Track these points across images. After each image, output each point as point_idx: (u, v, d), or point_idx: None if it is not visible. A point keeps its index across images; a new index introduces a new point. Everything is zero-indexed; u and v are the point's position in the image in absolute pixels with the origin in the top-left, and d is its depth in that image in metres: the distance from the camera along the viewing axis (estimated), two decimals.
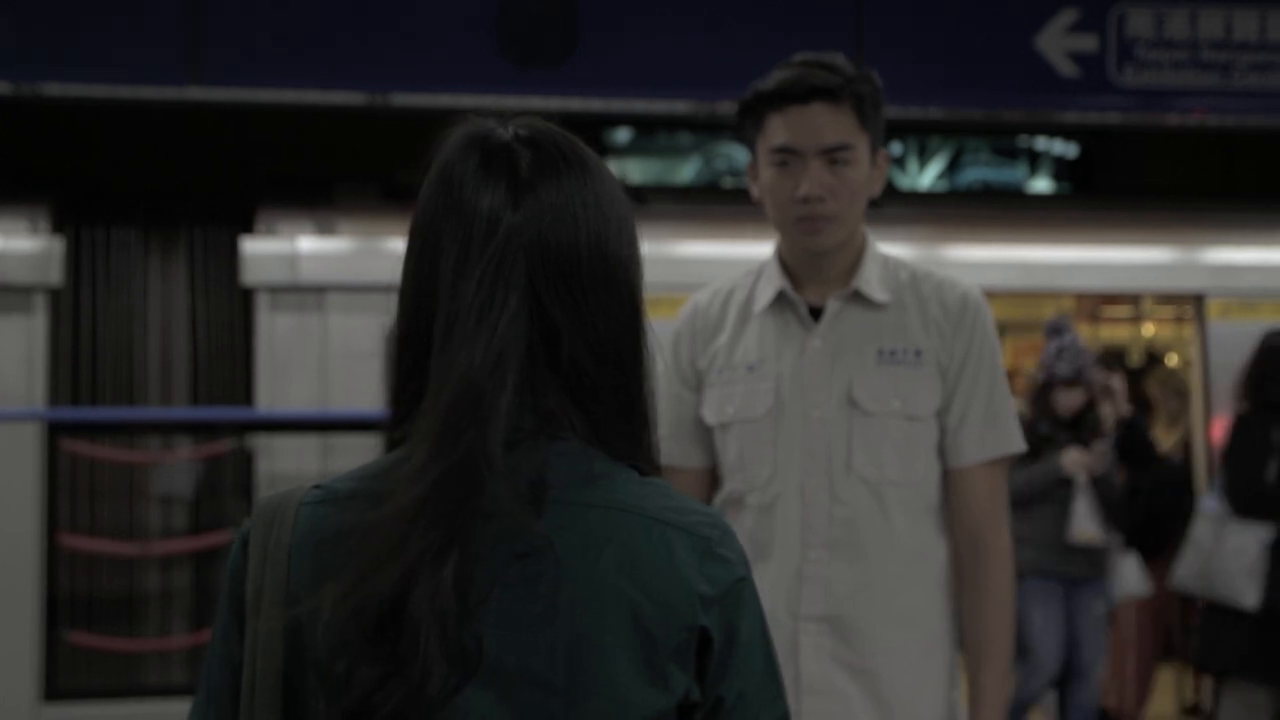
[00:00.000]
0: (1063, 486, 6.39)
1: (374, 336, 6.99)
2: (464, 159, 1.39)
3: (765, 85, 2.70)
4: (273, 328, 6.89)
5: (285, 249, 6.98)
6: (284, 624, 1.33)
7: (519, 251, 1.34)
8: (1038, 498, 6.36)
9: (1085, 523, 6.39)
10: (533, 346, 1.33)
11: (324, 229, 7.19)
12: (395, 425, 1.40)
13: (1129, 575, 6.75)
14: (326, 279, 6.99)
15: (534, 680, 1.29)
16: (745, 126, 2.75)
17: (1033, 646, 6.35)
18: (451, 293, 1.34)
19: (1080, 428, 6.54)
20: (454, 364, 1.31)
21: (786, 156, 2.67)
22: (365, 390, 6.96)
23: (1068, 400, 6.55)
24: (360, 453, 6.21)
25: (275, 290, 6.91)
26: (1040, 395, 6.66)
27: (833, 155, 2.66)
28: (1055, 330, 6.81)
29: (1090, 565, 6.46)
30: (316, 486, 1.40)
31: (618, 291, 1.39)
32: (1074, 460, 6.41)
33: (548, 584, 1.30)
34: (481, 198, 1.36)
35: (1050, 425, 6.52)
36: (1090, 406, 6.59)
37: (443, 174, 1.40)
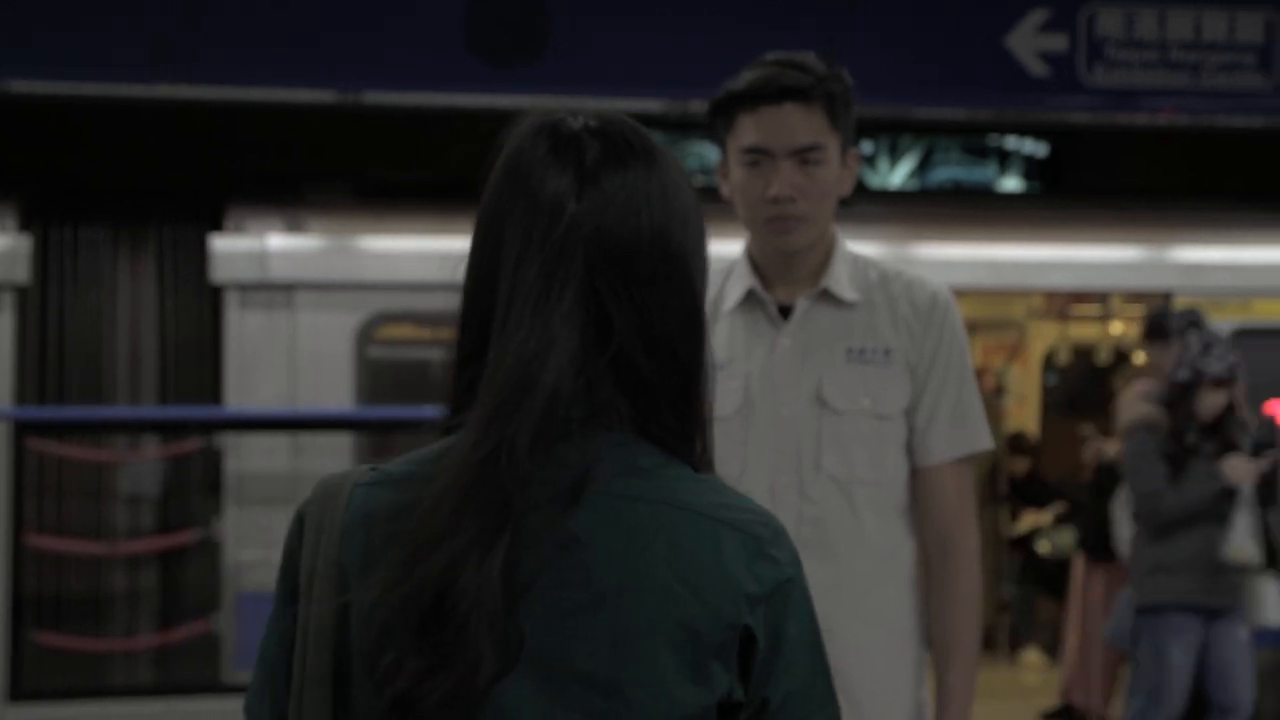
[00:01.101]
0: (1219, 502, 5.74)
1: (344, 335, 6.97)
2: (533, 146, 1.38)
3: (736, 85, 2.70)
4: (242, 326, 6.85)
5: (254, 247, 6.95)
6: (336, 605, 1.33)
7: (579, 242, 1.33)
8: (1200, 518, 5.74)
9: (1245, 540, 5.68)
10: (586, 337, 1.32)
11: (294, 227, 7.16)
12: (454, 411, 1.39)
13: (1272, 603, 5.89)
14: (296, 277, 6.96)
15: (575, 672, 1.28)
16: (716, 126, 2.75)
17: (1167, 683, 5.77)
18: (512, 280, 1.33)
19: (1220, 434, 5.87)
20: (508, 352, 1.30)
21: (758, 156, 2.67)
22: (335, 389, 6.94)
23: (1214, 402, 5.83)
24: (330, 451, 6.24)
25: (244, 288, 6.88)
26: (1182, 398, 5.87)
27: (804, 155, 2.66)
28: (1193, 322, 6.10)
29: (1235, 592, 5.80)
30: (373, 469, 1.40)
31: (677, 286, 1.37)
32: (1240, 469, 5.74)
33: (592, 576, 1.29)
34: (547, 185, 1.35)
35: (1196, 433, 5.84)
36: (1230, 410, 5.89)
37: (510, 161, 1.40)
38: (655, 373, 1.35)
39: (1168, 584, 5.72)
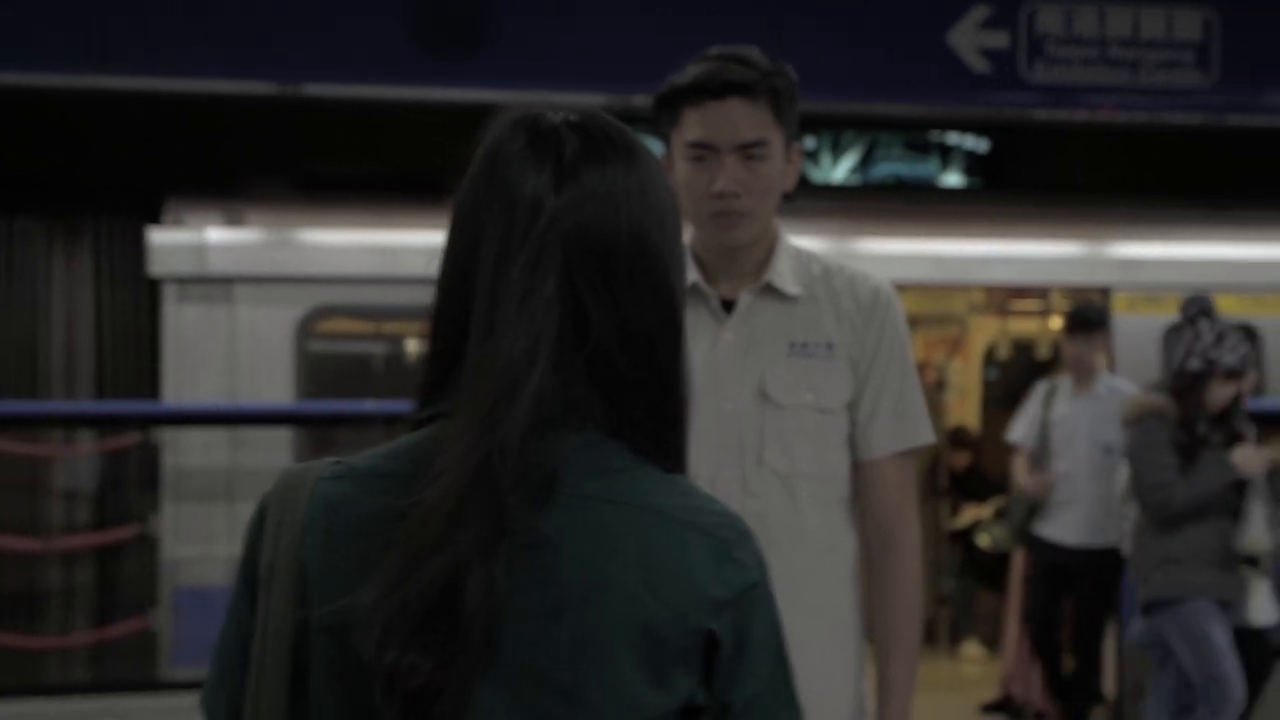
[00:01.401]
0: (1227, 493, 5.66)
1: (284, 328, 6.92)
2: (511, 140, 1.38)
3: (681, 79, 2.69)
4: (179, 319, 6.79)
5: (193, 240, 6.88)
6: (294, 598, 1.32)
7: (558, 237, 1.33)
8: (1209, 509, 5.64)
9: (1262, 532, 5.60)
10: (564, 333, 1.32)
11: (232, 220, 7.09)
12: (423, 405, 1.38)
13: (1262, 602, 5.78)
14: (235, 270, 6.90)
15: (537, 675, 1.28)
16: (661, 120, 2.74)
17: (1222, 668, 5.59)
18: (494, 277, 1.33)
19: (1226, 424, 5.77)
20: (498, 352, 1.29)
21: (702, 151, 2.66)
22: (275, 383, 6.89)
23: (1224, 394, 5.72)
24: (270, 446, 6.18)
25: (182, 281, 6.81)
26: (1194, 388, 5.75)
27: (748, 151, 2.65)
28: (1203, 311, 5.88)
29: (1241, 586, 5.70)
30: (337, 462, 1.39)
31: (655, 284, 1.37)
32: (1252, 460, 5.66)
33: (557, 578, 1.29)
34: (525, 180, 1.35)
35: (1206, 423, 5.73)
36: (1237, 401, 5.80)
37: (488, 154, 1.39)
38: (631, 370, 1.35)
39: (1179, 577, 5.60)
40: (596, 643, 1.27)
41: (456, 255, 1.38)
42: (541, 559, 1.29)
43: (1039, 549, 6.98)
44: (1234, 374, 5.72)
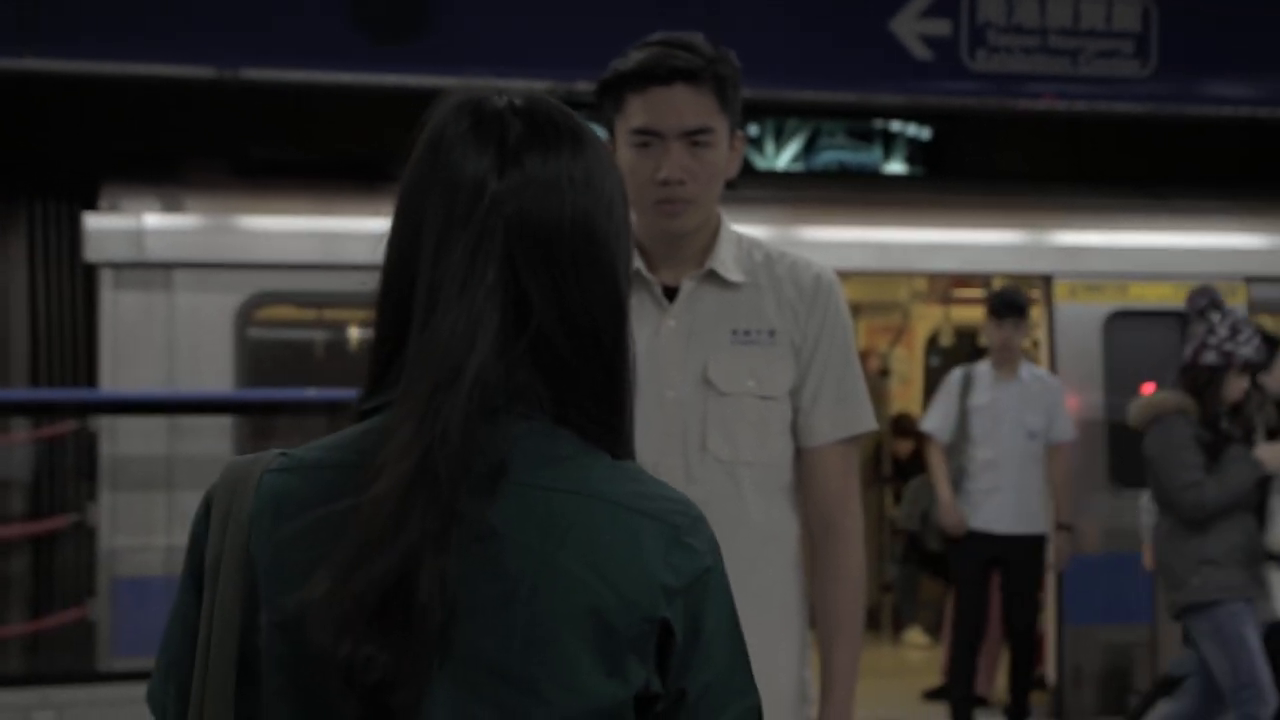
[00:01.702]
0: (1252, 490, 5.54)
1: (223, 315, 6.85)
2: (455, 123, 1.36)
3: (625, 65, 2.66)
4: (117, 306, 6.71)
5: (130, 225, 6.80)
6: (241, 592, 1.31)
7: (500, 222, 1.32)
8: (1237, 507, 5.51)
9: None
10: (506, 319, 1.30)
11: (171, 205, 7.01)
12: (369, 395, 1.37)
13: None
14: (174, 257, 6.82)
15: (488, 666, 1.27)
16: (604, 106, 2.71)
17: (1256, 673, 5.50)
18: (434, 261, 1.32)
19: (1242, 418, 5.62)
20: (437, 338, 1.28)
21: (647, 138, 2.64)
22: (214, 371, 6.82)
23: (1239, 387, 5.56)
24: (210, 434, 6.11)
25: (119, 267, 6.73)
26: (1211, 383, 5.58)
27: (694, 138, 2.64)
28: (1214, 304, 5.69)
29: (1265, 584, 5.61)
30: (282, 454, 1.38)
31: (600, 271, 1.35)
32: (1276, 456, 5.53)
33: (506, 569, 1.28)
34: (468, 164, 1.34)
35: (1227, 419, 5.56)
36: (1249, 394, 5.64)
37: (432, 137, 1.37)
38: (575, 357, 1.34)
39: (1215, 578, 5.47)
40: (548, 633, 1.27)
41: (399, 240, 1.37)
42: (490, 550, 1.27)
43: (967, 537, 6.92)
44: (1251, 366, 5.58)
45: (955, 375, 7.13)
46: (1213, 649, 5.58)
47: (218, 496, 1.38)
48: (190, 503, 6.88)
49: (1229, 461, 5.51)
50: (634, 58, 2.66)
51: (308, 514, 1.30)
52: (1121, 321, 7.98)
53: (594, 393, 1.35)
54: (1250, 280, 8.13)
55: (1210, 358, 5.57)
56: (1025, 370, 7.03)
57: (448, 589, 1.24)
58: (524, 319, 1.31)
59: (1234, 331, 5.57)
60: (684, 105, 2.63)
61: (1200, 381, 5.58)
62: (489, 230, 1.31)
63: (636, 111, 2.64)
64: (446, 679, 1.26)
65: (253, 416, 6.99)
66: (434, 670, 1.25)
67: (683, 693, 1.31)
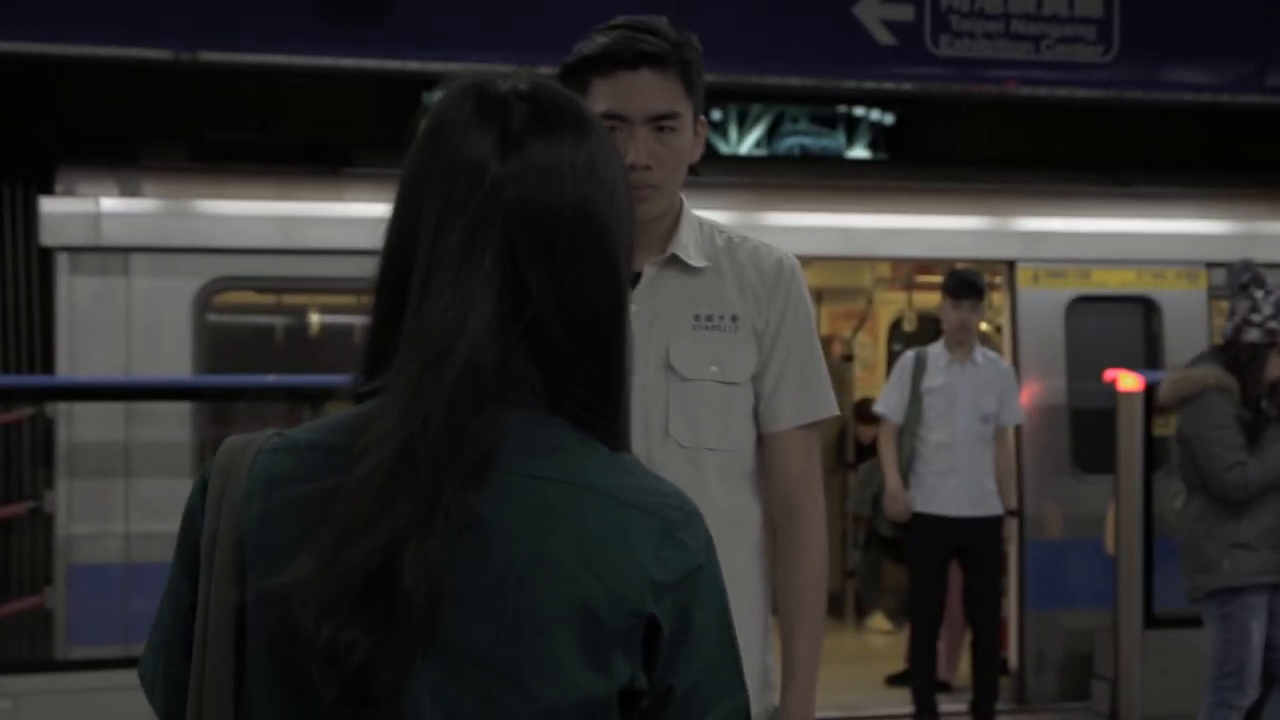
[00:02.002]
0: None
1: (182, 301, 6.79)
2: (458, 106, 1.36)
3: (591, 48, 2.63)
4: (73, 291, 6.65)
5: (87, 209, 6.73)
6: (235, 572, 1.31)
7: (499, 206, 1.30)
8: (1273, 491, 5.38)
9: None
10: (503, 305, 1.29)
11: (128, 189, 6.95)
12: (366, 378, 1.36)
13: None
14: (131, 241, 6.76)
15: (473, 655, 1.26)
16: (569, 88, 2.68)
17: (1249, 665, 5.46)
18: (431, 245, 1.30)
19: (1275, 397, 5.45)
20: (429, 322, 1.27)
21: (614, 123, 2.61)
22: (173, 356, 6.76)
23: (1278, 366, 5.40)
24: (168, 420, 6.03)
25: (76, 252, 6.66)
26: (1253, 361, 5.41)
27: (660, 123, 2.62)
28: (1256, 280, 5.53)
29: None
30: (278, 434, 1.38)
31: (600, 259, 1.34)
32: None
33: (495, 558, 1.27)
34: (469, 147, 1.33)
35: (1267, 397, 5.42)
36: None
37: (434, 120, 1.37)
38: (572, 345, 1.33)
39: (1246, 562, 5.35)
40: (534, 624, 1.25)
41: (399, 223, 1.35)
42: (479, 538, 1.27)
43: (922, 521, 6.91)
44: None
45: (908, 358, 7.07)
46: (1216, 632, 5.54)
47: (213, 475, 1.37)
48: (149, 489, 6.86)
49: (1268, 442, 5.39)
50: (599, 41, 2.63)
51: (298, 495, 1.30)
52: (1084, 307, 8.01)
53: (590, 382, 1.34)
54: (1211, 265, 8.16)
55: (1254, 335, 5.41)
56: (979, 353, 7.01)
57: (432, 575, 1.23)
58: (521, 305, 1.30)
59: (1278, 309, 5.40)
60: (650, 90, 2.61)
61: (1242, 359, 5.41)
62: (488, 215, 1.30)
63: (602, 96, 2.61)
64: (430, 666, 1.25)
65: (212, 403, 6.94)
66: (417, 657, 1.24)
67: (670, 689, 1.30)
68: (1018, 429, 7.22)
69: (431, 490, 1.24)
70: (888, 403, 7.05)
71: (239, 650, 1.32)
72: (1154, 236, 8.16)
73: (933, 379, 6.92)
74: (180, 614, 1.37)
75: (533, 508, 1.28)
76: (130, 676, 6.18)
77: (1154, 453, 7.36)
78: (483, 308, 1.28)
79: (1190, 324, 8.11)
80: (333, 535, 1.24)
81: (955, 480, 6.84)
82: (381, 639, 1.22)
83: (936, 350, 7.01)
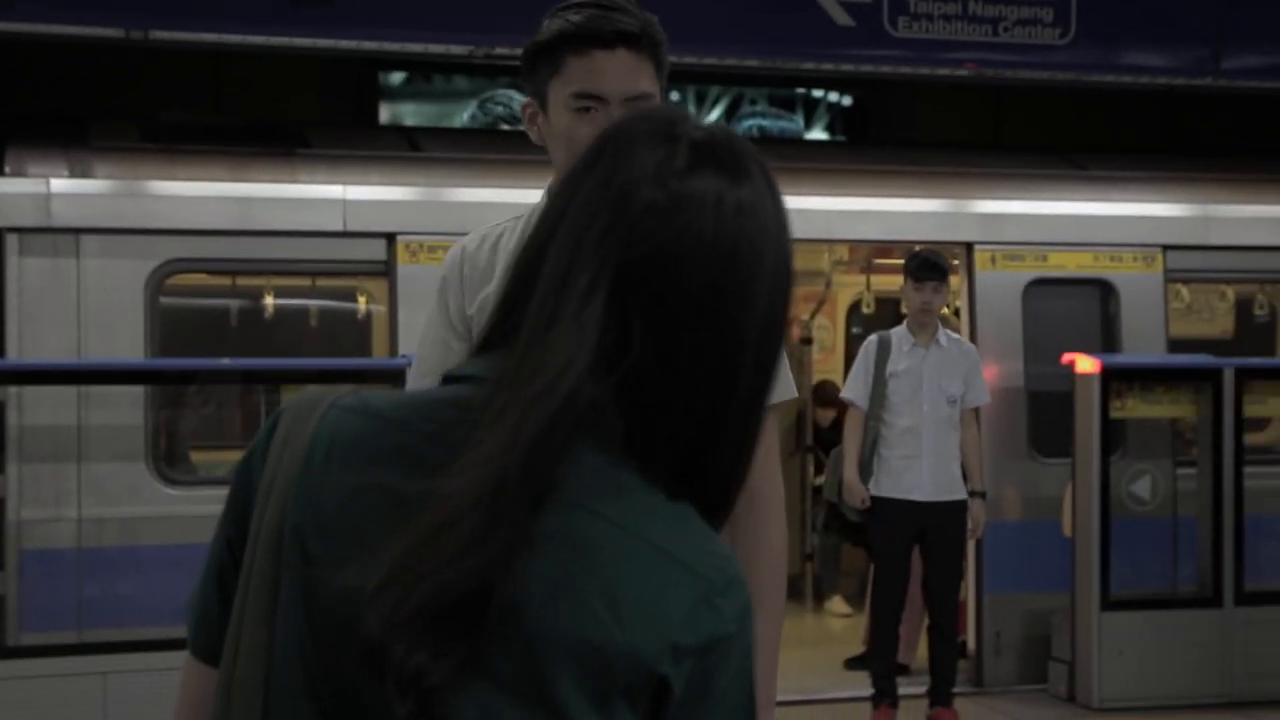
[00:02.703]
0: None
1: (134, 283, 6.71)
2: (633, 129, 1.34)
3: (565, 26, 2.58)
4: (23, 273, 6.56)
5: (37, 190, 6.64)
6: (281, 517, 1.33)
7: (633, 241, 1.27)
8: None
9: None
10: (604, 347, 1.26)
11: (79, 170, 6.85)
12: (474, 356, 1.37)
13: None
14: (82, 222, 6.67)
15: (489, 671, 1.23)
16: (537, 67, 2.62)
17: None
18: (565, 268, 1.28)
19: None
20: (546, 356, 1.25)
21: (590, 103, 2.56)
22: (125, 339, 6.69)
23: None
24: (121, 404, 5.93)
25: (26, 233, 6.57)
26: None
27: (635, 104, 2.57)
28: None
29: None
30: (357, 392, 1.39)
31: (720, 324, 1.29)
32: None
33: (525, 576, 1.23)
34: (623, 172, 1.29)
35: None
36: None
37: (605, 136, 1.35)
38: (671, 396, 1.29)
39: None
40: (544, 649, 1.23)
41: (543, 223, 1.34)
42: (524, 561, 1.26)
43: (887, 506, 6.90)
44: None
45: (871, 342, 7.03)
46: None
47: (283, 419, 1.39)
48: (101, 473, 6.76)
49: None
50: (572, 19, 2.58)
51: (359, 460, 1.30)
52: (1041, 289, 8.02)
53: (678, 438, 1.30)
54: (1168, 249, 8.19)
55: None
56: (943, 335, 6.99)
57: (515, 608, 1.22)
58: (622, 351, 1.27)
59: None
60: (627, 70, 2.56)
61: None
62: (618, 248, 1.27)
63: (577, 74, 2.56)
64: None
65: (165, 386, 6.86)
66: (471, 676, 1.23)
67: None
68: (977, 411, 7.21)
69: (525, 523, 1.22)
70: (854, 389, 7.01)
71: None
72: (1111, 219, 8.18)
73: (897, 363, 6.89)
74: (228, 549, 1.39)
75: (577, 539, 1.25)
76: (84, 663, 6.10)
77: (1111, 436, 7.39)
78: (588, 351, 1.25)
79: (1147, 307, 8.14)
80: (411, 550, 1.21)
81: (920, 464, 6.83)
82: (455, 660, 1.21)
83: (900, 333, 6.98)
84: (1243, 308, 8.93)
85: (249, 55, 8.06)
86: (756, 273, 1.32)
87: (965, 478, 6.93)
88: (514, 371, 1.26)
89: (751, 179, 1.34)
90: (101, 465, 6.55)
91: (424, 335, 2.74)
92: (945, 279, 6.95)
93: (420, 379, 2.64)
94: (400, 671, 1.20)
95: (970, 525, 6.97)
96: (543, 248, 1.31)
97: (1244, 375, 7.55)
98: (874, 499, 6.90)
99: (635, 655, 1.23)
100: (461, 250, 2.76)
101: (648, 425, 1.29)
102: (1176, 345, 8.23)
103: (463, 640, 1.21)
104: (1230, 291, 8.84)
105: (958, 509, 6.88)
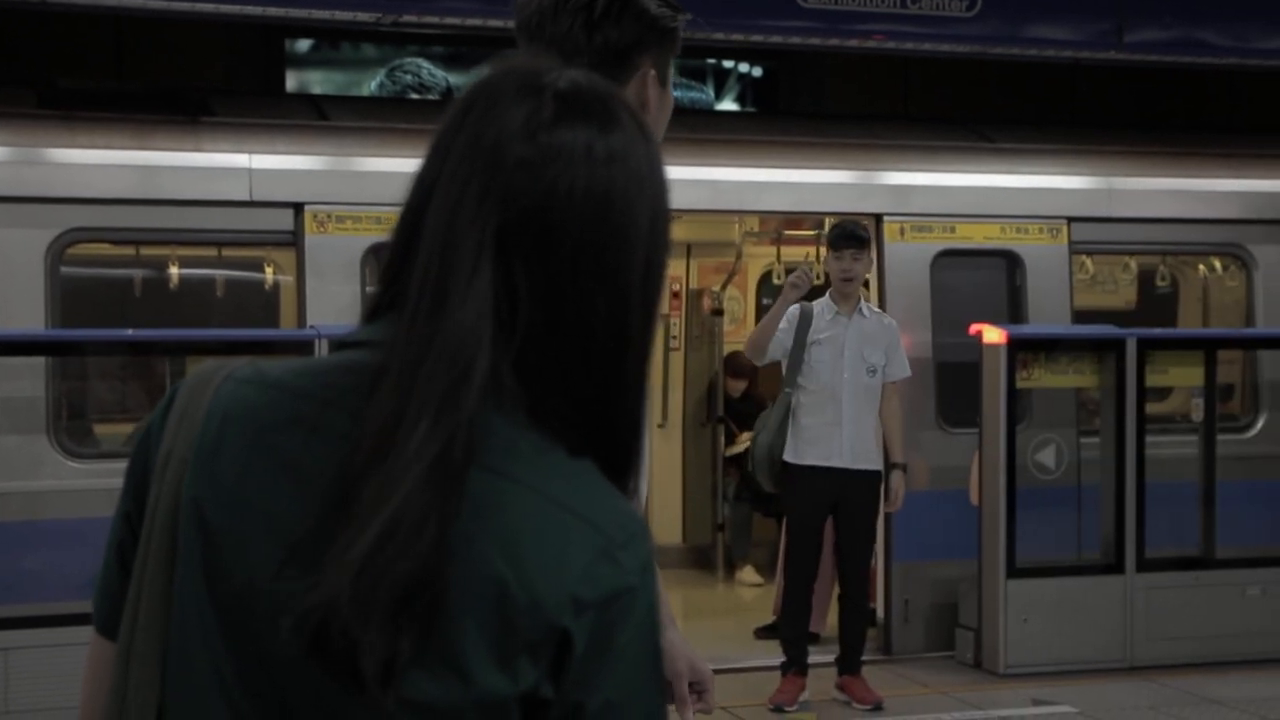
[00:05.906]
0: None
1: (34, 252, 6.58)
2: (498, 84, 1.32)
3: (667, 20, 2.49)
4: None
5: None
6: (178, 490, 1.32)
7: (509, 198, 1.26)
8: None
9: None
10: (499, 311, 1.25)
11: None
12: (364, 323, 1.34)
13: None
14: None
15: None
16: (645, 42, 2.48)
17: None
18: (445, 235, 1.26)
19: None
20: (447, 322, 1.24)
21: None
22: (25, 309, 6.56)
23: None
24: (21, 375, 5.84)
25: None
26: None
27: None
28: None
29: None
30: (252, 363, 1.37)
31: (607, 271, 1.28)
32: None
33: None
34: (492, 128, 1.28)
35: None
36: None
37: (472, 92, 1.33)
38: (562, 355, 1.28)
39: None
40: (446, 609, 1.21)
41: (416, 188, 1.31)
42: None
43: (803, 473, 6.94)
44: None
45: (794, 311, 7.05)
46: None
47: (181, 393, 1.37)
48: (2, 446, 6.65)
49: None
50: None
51: (257, 431, 1.29)
52: (949, 260, 8.08)
53: (577, 400, 1.29)
54: (1073, 220, 8.29)
55: None
56: (864, 307, 7.05)
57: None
58: (513, 312, 1.26)
59: None
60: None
61: None
62: (496, 207, 1.26)
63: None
64: None
65: (67, 357, 6.74)
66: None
67: (580, 705, 1.25)
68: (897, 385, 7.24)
69: (457, 497, 1.22)
70: (776, 351, 7.01)
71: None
72: (1018, 191, 8.26)
73: (818, 331, 6.93)
74: (128, 527, 1.38)
75: (475, 497, 1.23)
76: None
77: (1017, 406, 7.48)
78: (487, 315, 1.24)
79: (1052, 278, 8.23)
80: (358, 539, 1.20)
81: (841, 432, 6.87)
82: (413, 639, 1.20)
83: (822, 303, 7.02)
84: (1145, 279, 9.06)
85: (152, 20, 7.91)
86: (633, 219, 1.31)
87: (886, 450, 6.99)
88: (407, 340, 1.25)
89: (621, 126, 1.32)
90: (2, 438, 6.43)
91: None
92: (864, 247, 7.00)
93: None
94: (372, 659, 1.18)
95: (890, 497, 7.03)
96: (420, 208, 1.29)
97: (1146, 346, 7.67)
98: (791, 466, 6.93)
99: (537, 609, 1.23)
100: None
101: (546, 385, 1.28)
102: (1081, 316, 8.34)
103: (425, 619, 1.20)
104: (1133, 263, 8.97)
105: (873, 479, 6.94)
